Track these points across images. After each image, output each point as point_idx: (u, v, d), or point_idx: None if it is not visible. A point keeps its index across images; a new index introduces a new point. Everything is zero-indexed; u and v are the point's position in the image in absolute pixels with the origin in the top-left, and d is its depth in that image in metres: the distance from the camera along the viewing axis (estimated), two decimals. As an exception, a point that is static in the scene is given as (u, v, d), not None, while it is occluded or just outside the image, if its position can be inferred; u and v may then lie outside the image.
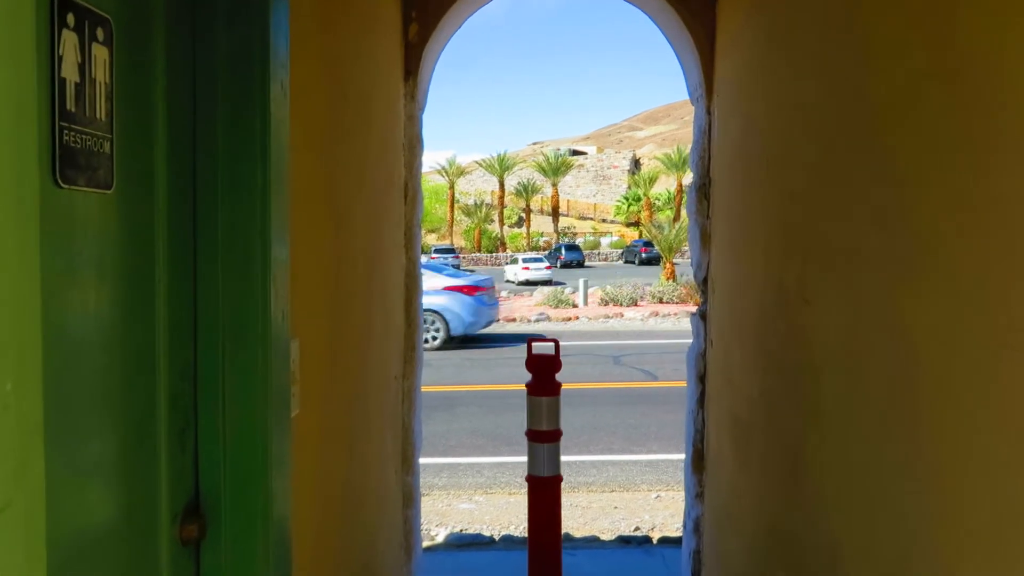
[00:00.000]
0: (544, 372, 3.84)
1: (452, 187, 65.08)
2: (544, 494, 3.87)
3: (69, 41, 1.32)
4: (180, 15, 1.69)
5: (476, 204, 66.15)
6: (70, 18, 1.32)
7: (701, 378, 3.79)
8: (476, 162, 69.02)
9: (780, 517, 2.66)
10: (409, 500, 3.80)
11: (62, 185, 1.29)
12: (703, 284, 3.78)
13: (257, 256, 1.81)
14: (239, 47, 1.78)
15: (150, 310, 1.62)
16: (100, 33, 1.41)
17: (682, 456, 4.82)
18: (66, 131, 1.31)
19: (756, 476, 2.93)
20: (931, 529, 1.65)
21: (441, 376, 14.48)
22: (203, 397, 1.80)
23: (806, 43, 2.39)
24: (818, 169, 2.28)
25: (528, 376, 3.90)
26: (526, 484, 3.99)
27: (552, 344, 4.03)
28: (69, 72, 1.32)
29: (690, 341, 4.01)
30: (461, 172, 66.84)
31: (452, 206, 64.99)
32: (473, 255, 57.22)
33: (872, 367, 1.93)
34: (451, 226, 64.61)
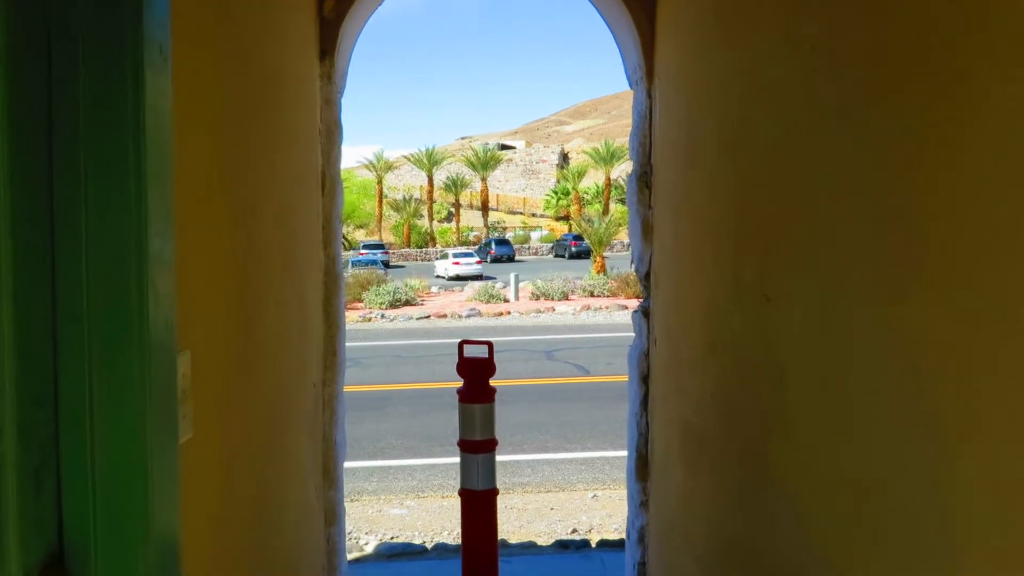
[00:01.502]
0: (477, 377, 3.57)
1: (380, 182, 64.25)
2: (479, 509, 3.60)
3: None
4: (23, -43, 1.36)
5: (405, 199, 65.50)
6: None
7: (644, 379, 3.56)
8: (404, 157, 68.25)
9: (738, 529, 2.44)
10: (332, 517, 3.49)
11: None
12: (645, 279, 3.56)
13: (131, 255, 1.49)
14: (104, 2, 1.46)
15: (-11, 322, 1.30)
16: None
17: (619, 453, 4.60)
18: None
19: (709, 484, 2.72)
20: (914, 547, 1.44)
21: (370, 375, 14.13)
22: (66, 427, 1.48)
23: (763, 11, 2.17)
24: (780, 150, 2.06)
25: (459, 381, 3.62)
26: (460, 486, 3.72)
27: (486, 346, 3.75)
28: None
29: (624, 335, 3.79)
30: (389, 167, 66.04)
31: (380, 201, 64.18)
32: (403, 251, 56.69)
33: (846, 369, 1.71)
34: (379, 221, 63.82)
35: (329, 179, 3.41)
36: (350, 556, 5.45)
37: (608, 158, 58.72)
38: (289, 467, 2.78)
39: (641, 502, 3.64)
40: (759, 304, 2.17)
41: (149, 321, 1.50)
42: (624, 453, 3.93)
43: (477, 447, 3.58)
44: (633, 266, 3.68)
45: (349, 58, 3.69)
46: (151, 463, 1.54)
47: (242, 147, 2.19)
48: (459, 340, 3.84)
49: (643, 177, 3.50)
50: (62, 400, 1.47)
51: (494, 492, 3.71)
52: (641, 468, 3.63)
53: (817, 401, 1.86)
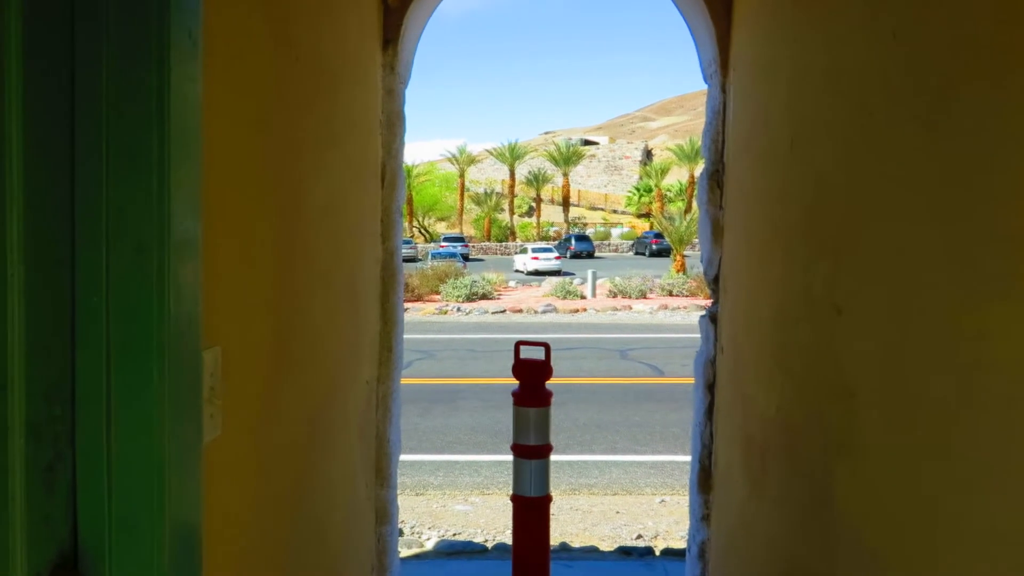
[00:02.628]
0: (533, 380, 3.45)
1: (462, 175, 64.61)
2: (531, 516, 3.48)
3: None
4: (43, -67, 1.30)
5: (486, 193, 65.71)
6: None
7: (710, 387, 3.39)
8: (487, 150, 68.45)
9: (799, 557, 2.28)
10: (384, 516, 3.43)
11: None
12: (714, 283, 3.39)
13: (152, 245, 1.43)
14: (128, -21, 1.40)
15: (-2, 314, 1.25)
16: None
17: (689, 458, 4.44)
18: None
19: (771, 505, 2.55)
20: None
21: (442, 368, 14.16)
22: (83, 424, 1.42)
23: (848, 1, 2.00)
24: (855, 149, 1.89)
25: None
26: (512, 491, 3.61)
27: (543, 348, 3.62)
28: None
29: (698, 336, 3.62)
30: (472, 160, 66.34)
31: (462, 194, 64.55)
32: (483, 244, 56.88)
33: (924, 393, 1.55)
34: (461, 215, 64.19)
35: (390, 171, 3.34)
36: (410, 552, 5.40)
37: (692, 155, 57.83)
38: (336, 465, 2.71)
39: (703, 516, 3.48)
40: (829, 316, 2.00)
41: (169, 315, 1.43)
42: (692, 460, 3.77)
43: (530, 452, 3.47)
44: (701, 268, 3.52)
45: (415, 48, 3.61)
46: (170, 462, 1.47)
47: (288, 137, 2.13)
48: (515, 340, 3.73)
49: (714, 176, 3.33)
50: (79, 396, 1.42)
51: (547, 499, 3.59)
52: (704, 480, 3.47)
53: (890, 425, 1.70)
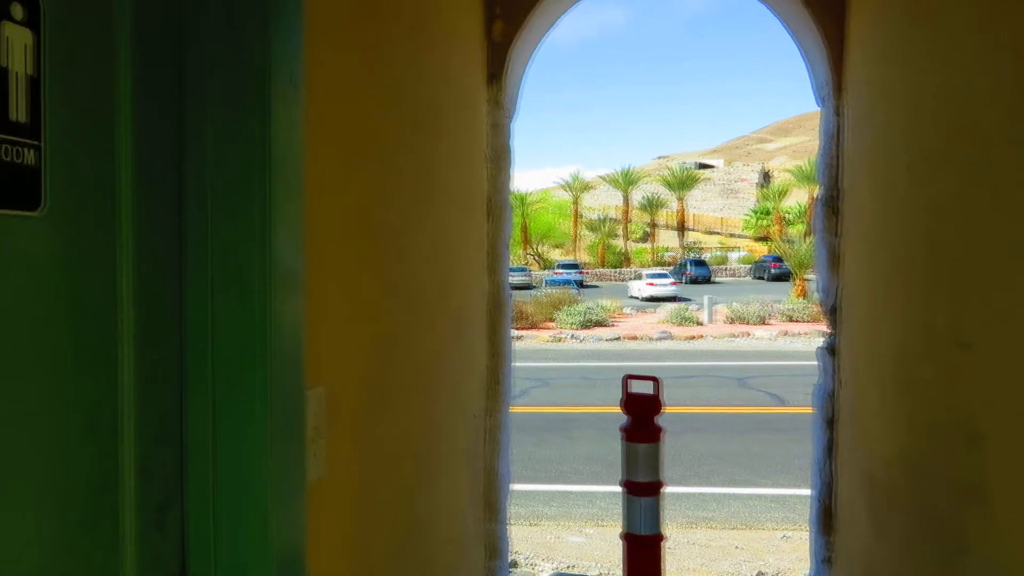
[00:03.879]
0: (643, 414, 3.37)
1: (576, 202, 64.74)
2: (643, 555, 3.39)
3: (-44, 19, 1.00)
4: (153, -9, 1.36)
5: (600, 219, 65.60)
6: (-42, -12, 1.00)
7: (830, 423, 3.24)
8: (600, 177, 68.43)
9: (929, 608, 2.13)
10: (494, 550, 3.41)
11: (-60, 206, 0.97)
12: (832, 313, 3.25)
13: (255, 288, 1.46)
14: (233, 31, 1.44)
15: (109, 358, 1.29)
16: (17, 10, 1.09)
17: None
18: (-52, 136, 0.98)
19: (898, 550, 2.40)
20: None
21: (558, 396, 14.11)
22: (191, 464, 1.46)
23: (959, 11, 1.88)
24: (976, 175, 1.77)
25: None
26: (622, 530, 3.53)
27: (652, 382, 3.54)
28: (-45, 59, 1.00)
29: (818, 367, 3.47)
30: (585, 187, 66.41)
31: (576, 221, 64.63)
32: (597, 271, 56.72)
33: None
34: (575, 241, 64.24)
35: (496, 205, 3.35)
36: (524, 582, 5.37)
37: (812, 176, 56.07)
38: (442, 501, 2.71)
39: (824, 558, 3.31)
40: (953, 352, 1.88)
41: (273, 357, 1.46)
42: (816, 494, 3.62)
43: (641, 489, 3.38)
44: (819, 298, 3.39)
45: (520, 82, 3.63)
46: (275, 502, 1.50)
47: (391, 173, 2.16)
48: (624, 374, 3.66)
49: (830, 202, 3.20)
50: (187, 438, 1.46)
51: (659, 538, 3.49)
52: (825, 520, 3.31)
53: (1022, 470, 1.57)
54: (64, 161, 1.16)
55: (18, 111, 1.08)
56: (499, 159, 3.35)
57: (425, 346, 2.48)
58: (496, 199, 3.34)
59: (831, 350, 3.28)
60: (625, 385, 3.53)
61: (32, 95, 1.11)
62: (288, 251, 1.50)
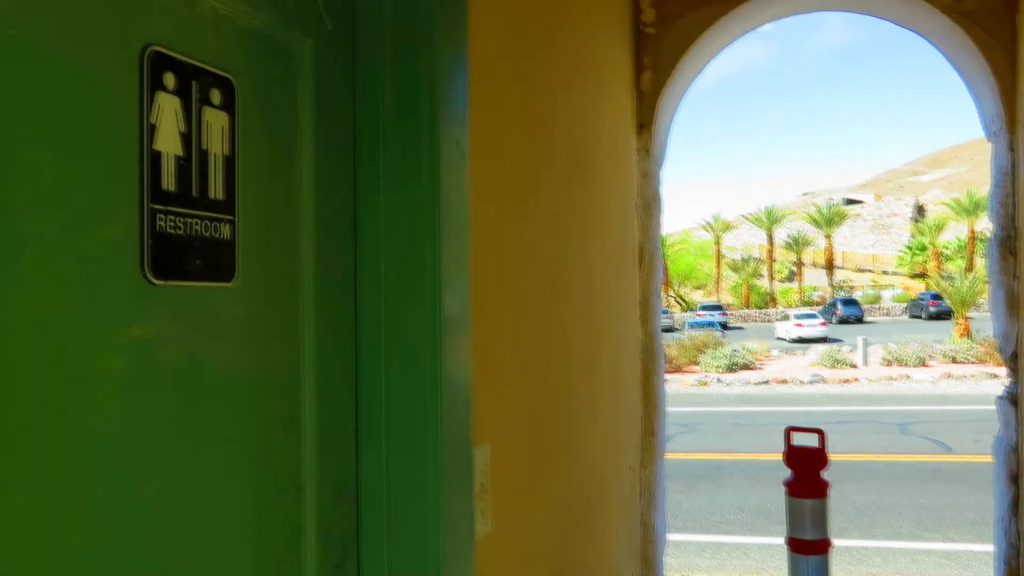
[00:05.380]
0: (807, 468, 3.23)
1: (718, 242, 63.59)
2: (811, 615, 3.23)
3: (167, 106, 1.08)
4: (331, 70, 1.43)
5: (743, 259, 64.15)
6: (168, 79, 1.08)
7: (1014, 478, 3.01)
8: (743, 216, 67.06)
9: None
10: (651, 606, 3.33)
11: (154, 281, 1.04)
12: (1012, 360, 3.03)
13: (426, 351, 1.50)
14: (403, 100, 1.50)
15: (293, 420, 1.35)
16: (216, 95, 1.17)
17: (989, 548, 3.95)
18: (161, 216, 1.06)
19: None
20: None
21: (705, 442, 13.77)
22: (366, 521, 1.50)
23: None
24: None
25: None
26: None
27: (816, 435, 3.39)
28: (167, 144, 1.08)
29: (991, 408, 3.24)
30: (727, 227, 65.18)
31: (718, 262, 63.42)
32: (741, 312, 55.33)
33: None
34: (718, 282, 62.99)
35: (647, 254, 3.33)
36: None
37: (972, 209, 53.20)
38: (599, 555, 2.68)
39: (1013, 624, 3.06)
40: None
41: (443, 416, 1.49)
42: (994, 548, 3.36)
43: (808, 547, 3.22)
44: (990, 332, 3.17)
45: (668, 130, 3.61)
46: (445, 559, 1.52)
47: (547, 229, 2.18)
48: (785, 427, 3.52)
49: (1006, 242, 3.01)
50: (362, 495, 1.50)
51: (828, 600, 3.32)
52: (1013, 585, 3.06)
53: None
54: (254, 234, 1.23)
55: (216, 189, 1.16)
56: (649, 208, 3.33)
57: (582, 398, 2.47)
58: (647, 248, 3.32)
59: (1013, 400, 3.06)
60: (787, 437, 3.40)
61: (227, 173, 1.18)
62: (456, 314, 1.53)
